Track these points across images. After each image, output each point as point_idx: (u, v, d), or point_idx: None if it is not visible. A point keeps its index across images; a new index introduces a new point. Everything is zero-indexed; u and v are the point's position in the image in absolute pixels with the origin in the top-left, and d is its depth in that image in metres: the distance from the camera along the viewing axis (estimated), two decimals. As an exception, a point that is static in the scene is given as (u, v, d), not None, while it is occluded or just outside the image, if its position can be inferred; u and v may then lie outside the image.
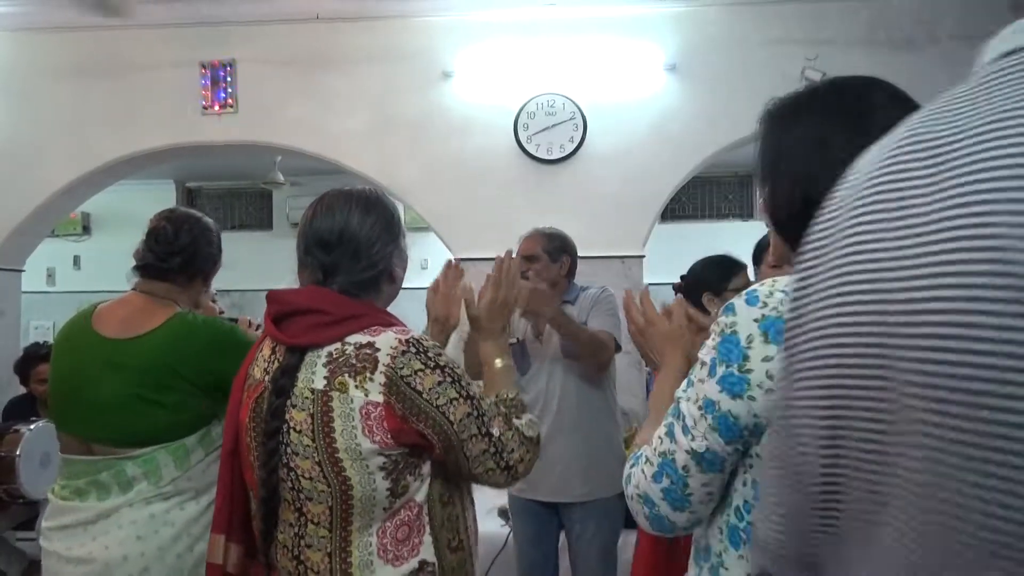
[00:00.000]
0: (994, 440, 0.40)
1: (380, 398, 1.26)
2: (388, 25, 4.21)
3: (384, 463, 1.28)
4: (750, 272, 2.35)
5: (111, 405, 1.77)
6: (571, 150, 4.10)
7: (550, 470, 2.57)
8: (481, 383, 1.50)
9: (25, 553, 3.31)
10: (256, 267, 5.48)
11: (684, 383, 1.01)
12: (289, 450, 1.31)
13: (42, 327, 6.94)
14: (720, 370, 0.93)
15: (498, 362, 1.54)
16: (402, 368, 1.27)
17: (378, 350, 1.28)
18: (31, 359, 3.88)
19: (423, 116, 4.20)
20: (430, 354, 1.31)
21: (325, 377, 1.29)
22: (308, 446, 1.29)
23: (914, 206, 0.44)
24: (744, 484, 0.97)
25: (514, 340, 2.72)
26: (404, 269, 1.49)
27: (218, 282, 2.07)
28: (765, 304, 0.92)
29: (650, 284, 4.01)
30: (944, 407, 0.41)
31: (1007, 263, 0.39)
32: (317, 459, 1.28)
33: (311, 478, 1.29)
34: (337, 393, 1.27)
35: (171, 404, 1.78)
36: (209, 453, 1.81)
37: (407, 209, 4.40)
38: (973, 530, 0.41)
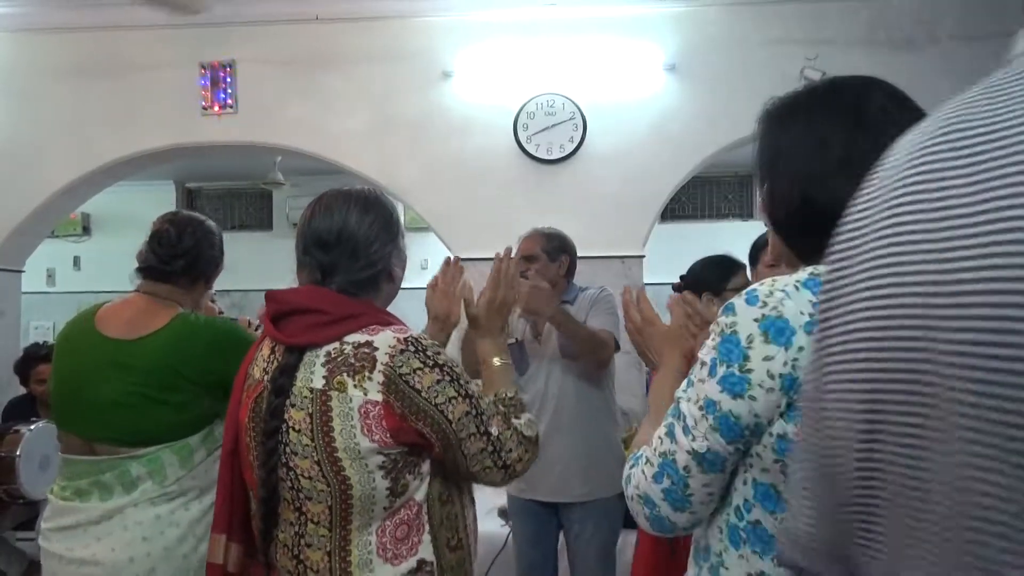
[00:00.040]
0: None
1: (379, 397, 1.26)
2: (388, 25, 4.21)
3: (383, 462, 1.28)
4: (748, 272, 2.36)
5: (116, 404, 1.77)
6: (571, 150, 4.10)
7: (549, 470, 2.57)
8: (479, 382, 1.50)
9: (25, 553, 3.31)
10: (256, 267, 5.48)
11: (684, 383, 1.01)
12: (288, 449, 1.31)
13: (42, 327, 6.94)
14: (721, 370, 0.93)
15: (496, 361, 1.54)
16: (401, 367, 1.27)
17: (376, 349, 1.28)
18: (31, 359, 3.88)
19: (423, 116, 4.20)
20: (428, 353, 1.31)
21: (324, 376, 1.29)
22: (307, 445, 1.29)
23: (955, 196, 0.44)
24: (744, 483, 0.97)
25: (513, 340, 2.72)
26: (403, 268, 1.49)
27: (218, 282, 2.07)
28: (765, 304, 0.91)
29: (650, 284, 4.02)
30: (985, 387, 0.41)
31: None
32: (316, 458, 1.28)
33: (310, 477, 1.29)
34: (336, 392, 1.27)
35: (176, 403, 1.79)
36: (212, 452, 1.81)
37: (407, 209, 4.41)
38: (1009, 519, 0.41)
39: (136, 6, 3.85)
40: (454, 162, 4.18)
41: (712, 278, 2.33)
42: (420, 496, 1.33)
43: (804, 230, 1.01)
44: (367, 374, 1.27)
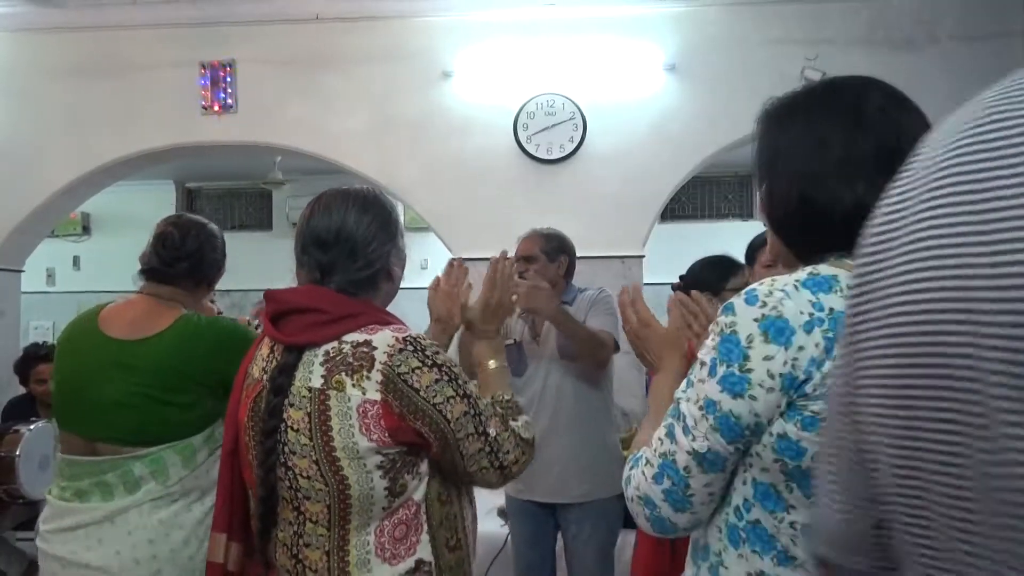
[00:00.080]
0: None
1: (377, 396, 1.26)
2: (388, 25, 4.21)
3: (381, 462, 1.27)
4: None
5: (118, 404, 1.77)
6: (571, 150, 4.10)
7: (547, 471, 2.57)
8: (477, 383, 1.50)
9: (25, 553, 3.31)
10: (256, 267, 5.46)
11: (683, 383, 1.01)
12: (287, 449, 1.31)
13: (42, 327, 6.93)
14: (721, 370, 0.93)
15: (492, 363, 1.54)
16: (399, 366, 1.27)
17: (375, 348, 1.28)
18: (31, 359, 3.87)
19: (423, 116, 4.20)
20: (427, 352, 1.31)
21: (322, 376, 1.29)
22: (305, 445, 1.29)
23: (1000, 179, 0.44)
24: (744, 483, 0.97)
25: (511, 341, 2.72)
26: (402, 268, 1.49)
27: (218, 282, 2.08)
28: (764, 303, 0.91)
29: (649, 284, 4.02)
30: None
31: None
32: (314, 458, 1.28)
33: (309, 477, 1.29)
34: (334, 392, 1.27)
35: (180, 404, 1.79)
36: (213, 452, 1.81)
37: (406, 209, 4.40)
38: None
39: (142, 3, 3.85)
40: (454, 162, 4.18)
41: (711, 278, 2.33)
42: (419, 496, 1.33)
43: (803, 230, 1.01)
44: (365, 373, 1.27)
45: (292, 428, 1.30)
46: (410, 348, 1.29)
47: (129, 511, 1.75)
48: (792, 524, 0.93)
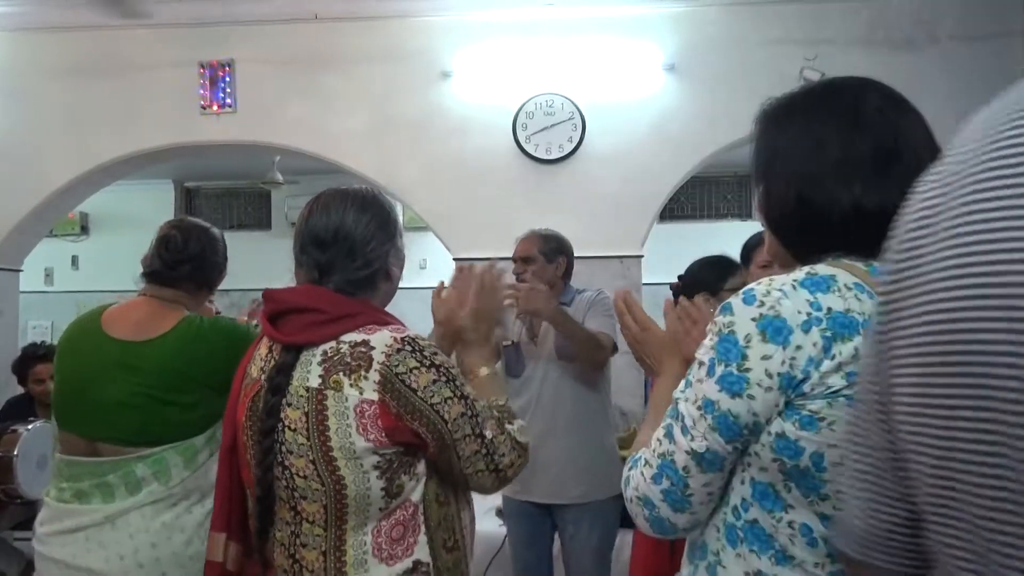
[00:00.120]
0: None
1: (375, 396, 1.26)
2: (387, 25, 4.21)
3: (378, 462, 1.27)
4: (742, 272, 2.36)
5: (121, 405, 1.78)
6: (570, 150, 4.10)
7: (545, 472, 2.57)
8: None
9: (23, 553, 3.30)
10: (254, 267, 5.46)
11: (682, 384, 1.01)
12: (284, 448, 1.30)
13: (40, 327, 6.93)
14: (719, 369, 0.93)
15: (483, 371, 1.54)
16: (397, 366, 1.27)
17: (373, 348, 1.28)
18: (29, 359, 3.86)
19: (422, 116, 4.20)
20: (425, 352, 1.31)
21: (320, 375, 1.29)
22: (302, 444, 1.28)
23: None
24: (742, 483, 0.97)
25: (508, 342, 2.72)
26: (401, 268, 1.49)
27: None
28: (762, 303, 0.91)
29: (648, 284, 4.01)
30: None
31: None
32: (311, 457, 1.28)
33: (305, 476, 1.29)
34: (332, 391, 1.27)
35: (184, 404, 1.80)
36: (214, 453, 1.81)
37: (405, 209, 4.40)
38: None
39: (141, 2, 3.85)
40: (453, 162, 4.18)
41: (709, 278, 2.33)
42: (416, 497, 1.33)
43: (800, 230, 1.01)
44: (363, 373, 1.27)
45: (289, 428, 1.30)
46: (408, 348, 1.29)
47: (130, 513, 1.75)
48: (790, 524, 0.93)
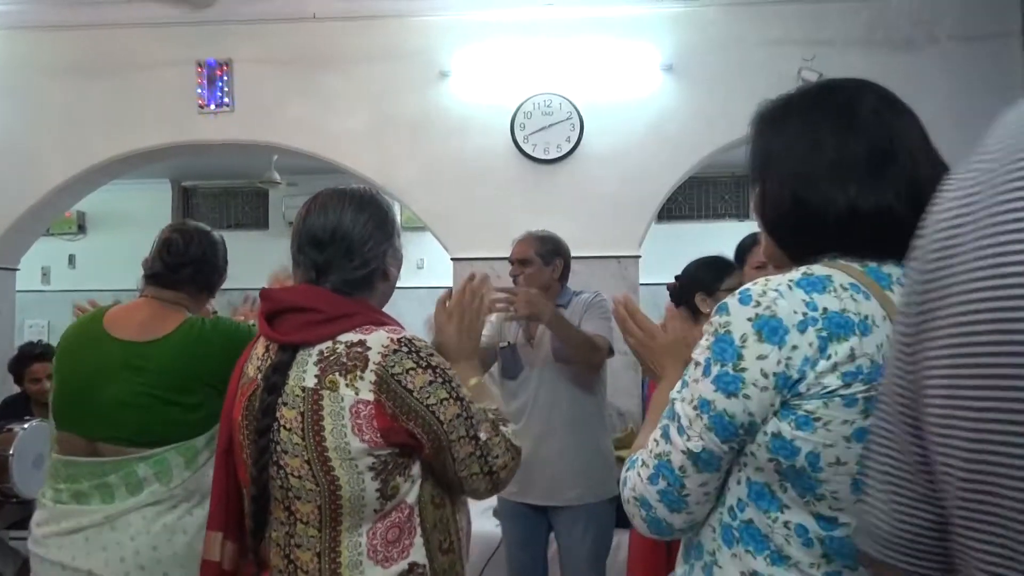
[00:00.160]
0: None
1: (370, 396, 1.26)
2: (385, 25, 4.21)
3: (373, 463, 1.27)
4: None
5: (123, 405, 1.78)
6: (568, 150, 4.10)
7: (540, 474, 2.57)
8: None
9: (19, 552, 3.30)
10: (252, 266, 5.45)
11: (678, 384, 1.01)
12: (279, 448, 1.30)
13: (37, 326, 6.92)
14: (715, 369, 0.93)
15: (472, 381, 1.52)
16: (393, 367, 1.27)
17: (369, 348, 1.28)
18: (25, 358, 3.86)
19: (420, 116, 4.20)
20: (422, 354, 1.30)
21: (316, 375, 1.29)
22: (298, 444, 1.28)
23: None
24: (738, 483, 0.97)
25: (505, 344, 2.72)
26: (399, 268, 1.48)
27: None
28: (758, 303, 0.91)
29: (646, 284, 4.01)
30: None
31: None
32: (306, 457, 1.28)
33: (300, 476, 1.29)
34: (327, 392, 1.27)
35: (187, 404, 1.81)
36: (214, 453, 1.81)
37: (403, 208, 4.40)
38: None
39: (140, 1, 3.83)
40: (451, 162, 4.18)
41: (706, 278, 2.34)
42: (412, 499, 1.33)
43: (796, 231, 1.01)
44: (359, 373, 1.26)
45: (285, 427, 1.30)
46: (404, 349, 1.29)
47: (131, 514, 1.74)
48: (786, 524, 0.93)
